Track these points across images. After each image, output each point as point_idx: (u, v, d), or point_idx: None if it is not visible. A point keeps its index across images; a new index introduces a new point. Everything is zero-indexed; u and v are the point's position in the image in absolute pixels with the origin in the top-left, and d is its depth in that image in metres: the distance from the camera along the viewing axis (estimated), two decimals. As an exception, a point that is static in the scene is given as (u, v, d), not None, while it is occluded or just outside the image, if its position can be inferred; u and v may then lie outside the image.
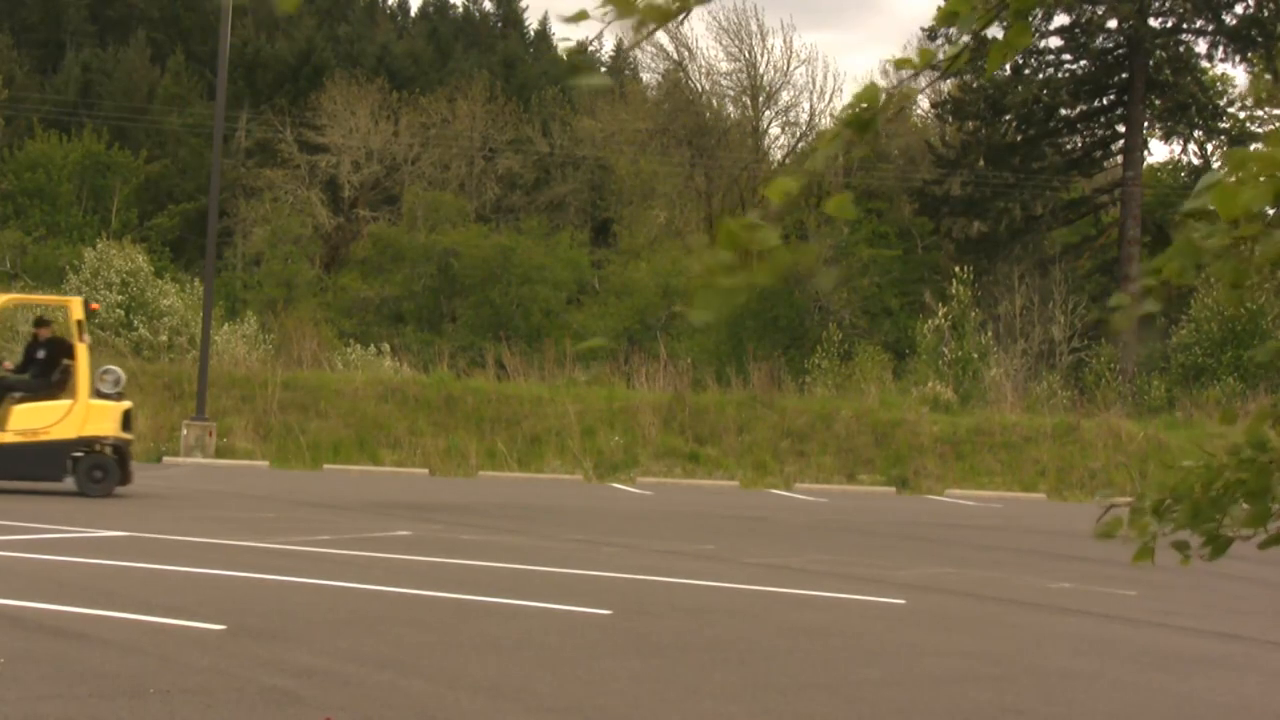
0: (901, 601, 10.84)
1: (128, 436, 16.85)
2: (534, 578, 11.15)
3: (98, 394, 16.54)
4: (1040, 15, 43.78)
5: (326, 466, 24.17)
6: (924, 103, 54.02)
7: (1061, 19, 43.70)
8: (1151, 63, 43.25)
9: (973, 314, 33.57)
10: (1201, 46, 44.26)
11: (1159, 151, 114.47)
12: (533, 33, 70.31)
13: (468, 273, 40.95)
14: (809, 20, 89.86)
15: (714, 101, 50.25)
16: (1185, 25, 43.70)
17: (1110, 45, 44.19)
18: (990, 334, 34.62)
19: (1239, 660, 9.24)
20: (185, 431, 24.22)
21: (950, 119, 47.19)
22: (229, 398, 26.00)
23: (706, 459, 25.87)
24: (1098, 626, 10.24)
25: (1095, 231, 48.17)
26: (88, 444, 16.48)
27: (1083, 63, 44.27)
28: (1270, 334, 34.94)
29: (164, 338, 29.90)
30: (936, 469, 26.18)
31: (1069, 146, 46.60)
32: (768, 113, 50.20)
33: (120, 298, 30.24)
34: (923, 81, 2.85)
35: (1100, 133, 46.00)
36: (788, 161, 51.44)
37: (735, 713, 6.83)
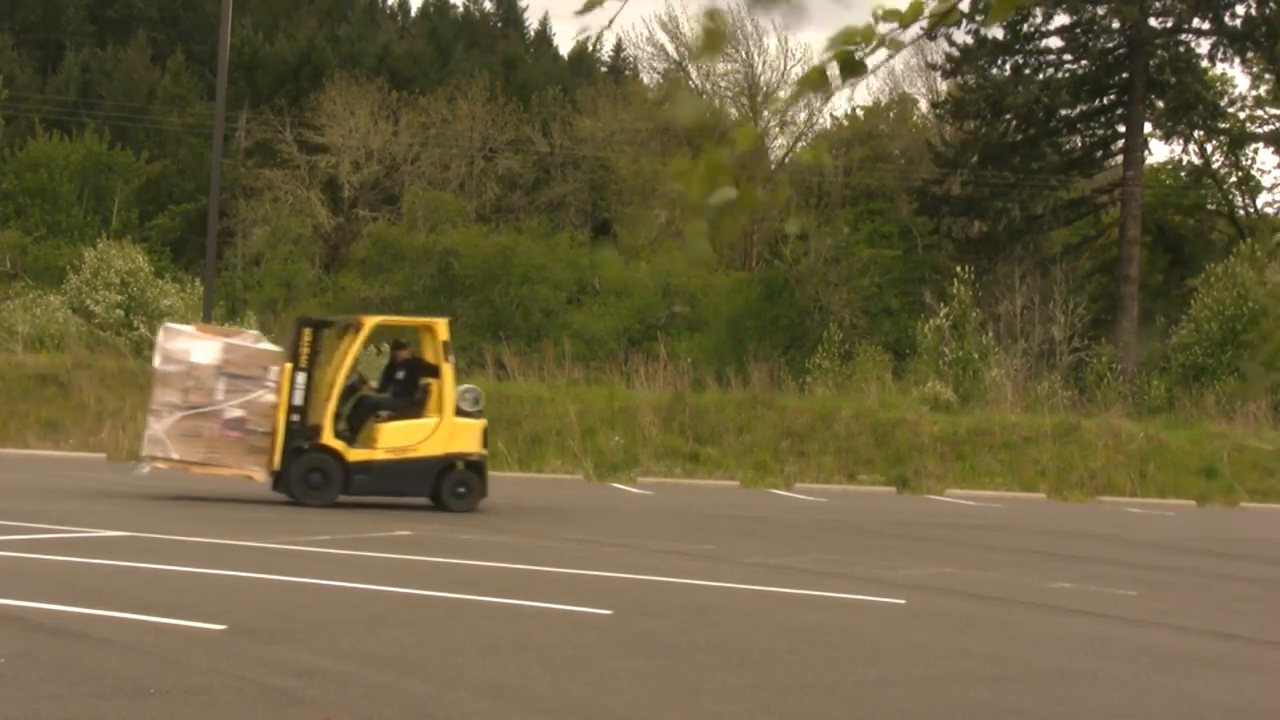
0: (901, 601, 10.84)
1: (485, 453, 17.36)
2: (534, 578, 11.15)
3: (460, 412, 16.97)
4: (1040, 15, 43.82)
5: (326, 466, 24.12)
6: (923, 103, 54.07)
7: (1062, 19, 43.71)
8: (1152, 63, 43.25)
9: (973, 314, 33.56)
10: (1202, 47, 44.29)
11: (1159, 151, 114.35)
12: (533, 33, 70.34)
13: (468, 273, 40.94)
14: (806, 20, 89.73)
15: (713, 101, 50.23)
16: (1186, 26, 43.69)
17: (1111, 45, 44.19)
18: (990, 334, 34.62)
19: (1239, 660, 9.24)
20: (185, 431, 24.20)
21: (950, 119, 47.19)
22: (229, 398, 25.98)
23: (707, 459, 25.87)
24: (1097, 626, 10.24)
25: (1095, 231, 48.18)
26: (452, 460, 16.91)
27: (1083, 63, 44.26)
28: (1270, 335, 34.90)
29: (164, 338, 29.89)
30: (936, 469, 26.18)
31: (1069, 146, 46.60)
32: (766, 112, 50.20)
33: (120, 298, 30.23)
34: (912, 33, 2.80)
35: (1100, 133, 45.99)
36: (787, 161, 51.47)
37: (735, 713, 6.83)
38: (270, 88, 52.08)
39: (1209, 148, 48.29)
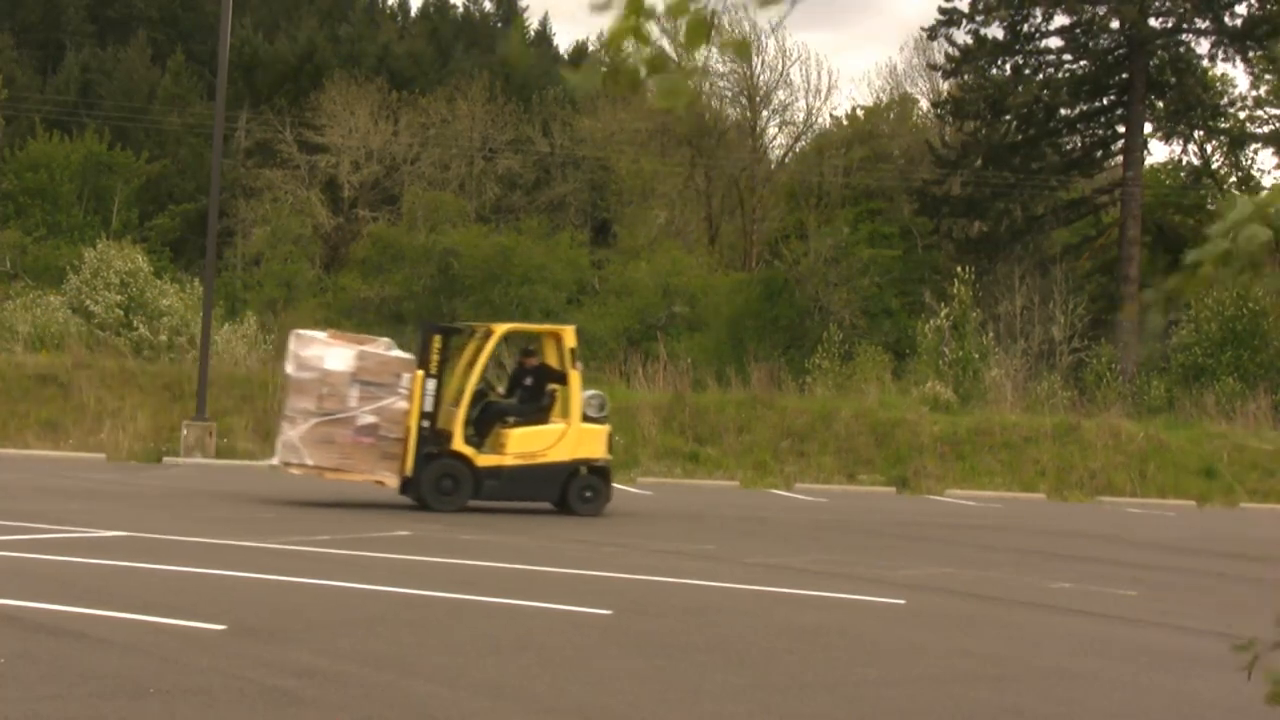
0: (901, 601, 10.84)
1: (610, 458, 17.60)
2: (534, 578, 11.15)
3: (586, 418, 17.21)
4: (1040, 15, 43.84)
5: (326, 466, 24.13)
6: (924, 103, 54.08)
7: (1062, 19, 43.72)
8: (1152, 63, 43.26)
9: (973, 314, 33.56)
10: (1202, 47, 44.29)
11: (1159, 151, 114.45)
12: (533, 32, 70.32)
13: (468, 273, 40.92)
14: (804, 20, 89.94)
15: (712, 102, 50.25)
16: (1186, 26, 43.69)
17: (1111, 45, 44.19)
18: (990, 334, 34.62)
19: (1239, 660, 9.25)
20: (185, 432, 24.21)
21: (950, 119, 47.20)
22: (229, 398, 25.99)
23: (706, 459, 25.86)
24: (1097, 626, 10.24)
25: (1095, 231, 48.18)
26: (579, 466, 17.18)
27: (1083, 63, 44.27)
28: (1271, 335, 34.96)
29: (164, 338, 29.89)
30: (936, 469, 26.18)
31: (1069, 146, 46.60)
32: (765, 112, 50.22)
33: (120, 298, 30.23)
34: None
35: (1100, 133, 45.99)
36: (786, 161, 51.49)
37: (735, 713, 6.83)
38: (270, 88, 52.07)
39: (1209, 148, 48.29)
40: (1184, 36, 43.97)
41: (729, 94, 50.42)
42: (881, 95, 55.30)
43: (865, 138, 50.48)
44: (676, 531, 16.02)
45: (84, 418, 25.02)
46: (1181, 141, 46.92)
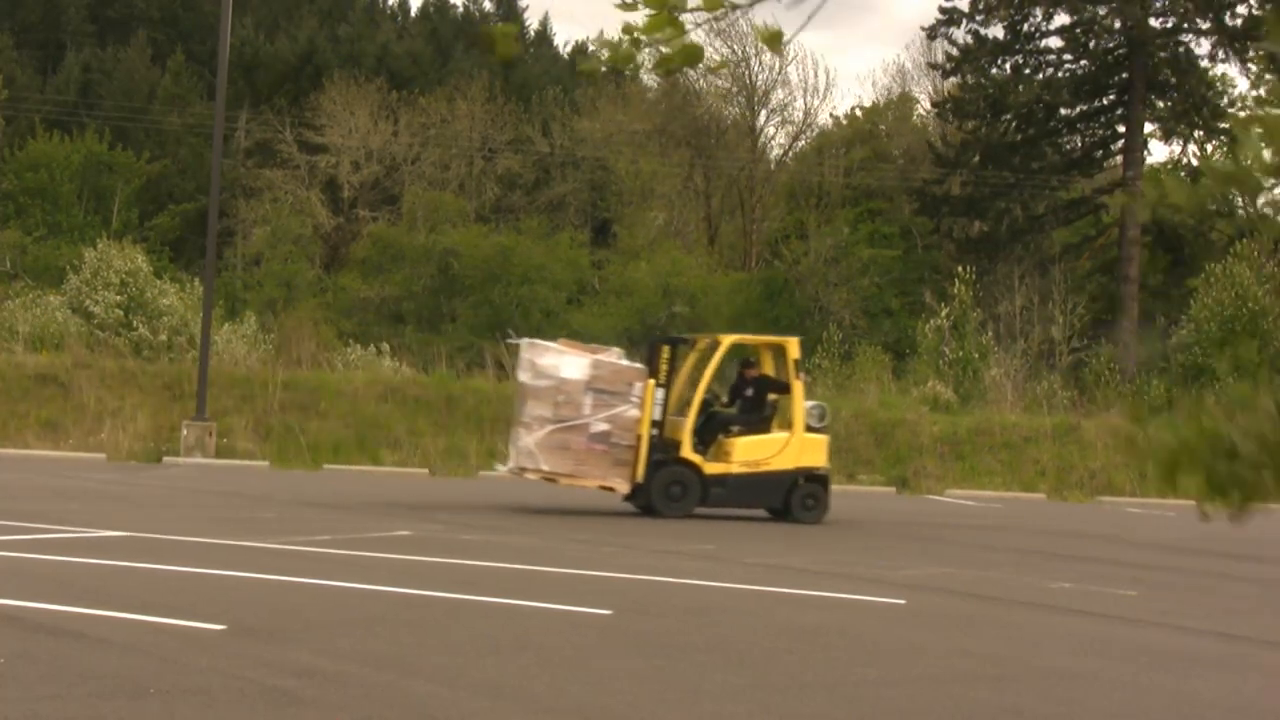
0: (901, 601, 10.84)
1: (829, 467, 18.05)
2: (534, 578, 11.15)
3: (807, 428, 17.57)
4: (1040, 15, 43.84)
5: (326, 466, 24.16)
6: (925, 102, 54.07)
7: (1062, 19, 43.72)
8: (1152, 63, 43.25)
9: (973, 314, 33.57)
10: (1202, 47, 44.30)
11: (1159, 151, 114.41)
12: (533, 33, 70.30)
13: (468, 273, 40.93)
14: (802, 19, 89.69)
15: (711, 102, 50.24)
16: (1186, 26, 43.69)
17: (1111, 45, 44.19)
18: (990, 334, 34.62)
19: (1239, 660, 9.24)
20: (185, 431, 24.21)
21: (950, 119, 47.20)
22: (229, 398, 25.99)
23: (706, 459, 25.83)
24: (1097, 626, 10.24)
25: (1095, 231, 48.16)
26: (801, 474, 17.53)
27: (1083, 63, 44.26)
28: (1272, 335, 34.95)
29: (163, 338, 29.90)
30: (936, 469, 26.19)
31: (1069, 146, 46.59)
32: (763, 112, 50.21)
33: (120, 298, 30.23)
34: None
35: (1100, 133, 45.98)
36: (786, 160, 51.49)
37: (735, 713, 6.83)
38: (270, 88, 52.03)
39: (1209, 148, 48.27)
40: (1184, 36, 43.96)
41: (728, 94, 50.41)
42: (888, 93, 55.33)
43: (865, 137, 50.48)
44: (676, 531, 16.02)
45: (84, 418, 25.02)
46: (1181, 141, 46.92)
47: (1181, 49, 43.94)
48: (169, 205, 47.96)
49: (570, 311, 41.39)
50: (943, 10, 43.75)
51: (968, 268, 35.27)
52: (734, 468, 17.28)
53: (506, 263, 40.83)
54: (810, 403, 17.97)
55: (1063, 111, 44.96)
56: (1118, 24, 43.18)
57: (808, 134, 51.01)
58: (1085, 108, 45.17)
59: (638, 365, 17.30)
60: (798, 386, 17.58)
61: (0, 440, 23.90)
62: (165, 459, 23.71)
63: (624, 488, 17.14)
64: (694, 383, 17.78)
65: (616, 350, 18.08)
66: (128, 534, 12.87)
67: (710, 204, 49.79)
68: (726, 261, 47.69)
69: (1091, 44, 43.90)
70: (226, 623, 8.37)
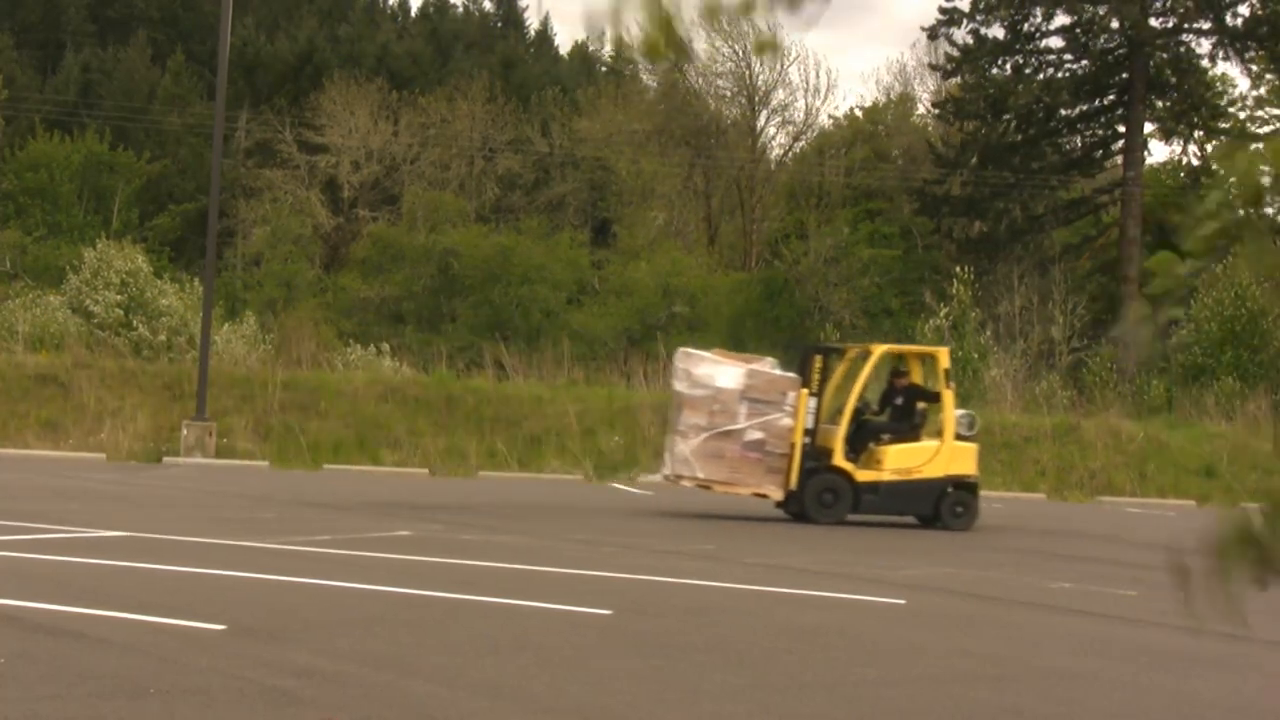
0: (901, 601, 10.83)
1: (978, 475, 18.25)
2: (534, 578, 11.15)
3: (957, 436, 17.77)
4: (1040, 15, 43.84)
5: (326, 466, 24.16)
6: (926, 101, 54.07)
7: (1062, 19, 43.72)
8: (1152, 63, 43.25)
9: (973, 314, 33.56)
10: (1203, 47, 44.29)
11: (1159, 151, 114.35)
12: (533, 33, 70.33)
13: (468, 273, 40.94)
14: (801, 22, 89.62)
15: (711, 102, 50.24)
16: (1186, 26, 43.69)
17: (1111, 45, 44.20)
18: (990, 334, 34.62)
19: (1239, 660, 9.24)
20: (185, 431, 24.21)
21: (951, 119, 47.20)
22: (229, 398, 25.99)
23: (706, 459, 25.83)
24: (1097, 626, 10.23)
25: (1095, 231, 48.17)
26: (951, 482, 17.74)
27: (1083, 63, 44.26)
28: (1271, 334, 34.95)
29: (163, 338, 29.90)
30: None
31: (1069, 146, 46.61)
32: (764, 112, 50.21)
33: (120, 298, 30.23)
34: None
35: (1100, 133, 45.99)
36: (786, 160, 51.49)
37: (735, 713, 6.82)
38: (270, 88, 52.05)
39: (1209, 148, 48.27)
40: (1184, 36, 43.96)
41: (728, 94, 50.41)
42: (889, 93, 55.33)
43: (865, 137, 50.47)
44: (676, 531, 16.02)
45: (84, 418, 25.02)
46: (1181, 141, 46.92)
47: (1182, 49, 43.95)
48: (169, 205, 47.97)
49: (570, 311, 41.41)
50: (943, 10, 43.76)
51: (967, 268, 35.26)
52: (885, 475, 17.48)
53: (506, 263, 40.84)
54: (960, 411, 18.19)
55: (1063, 111, 44.97)
56: (1115, 24, 43.17)
57: (808, 134, 51.03)
58: (1085, 108, 45.17)
59: (791, 374, 17.54)
60: (948, 395, 17.77)
61: (0, 440, 23.90)
62: (165, 459, 23.71)
63: (777, 495, 17.44)
64: (844, 391, 18.08)
65: (770, 360, 18.38)
66: (127, 534, 12.87)
67: (710, 204, 49.79)
68: (726, 261, 47.70)
69: (1091, 44, 43.90)
70: (226, 623, 8.36)
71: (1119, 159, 44.86)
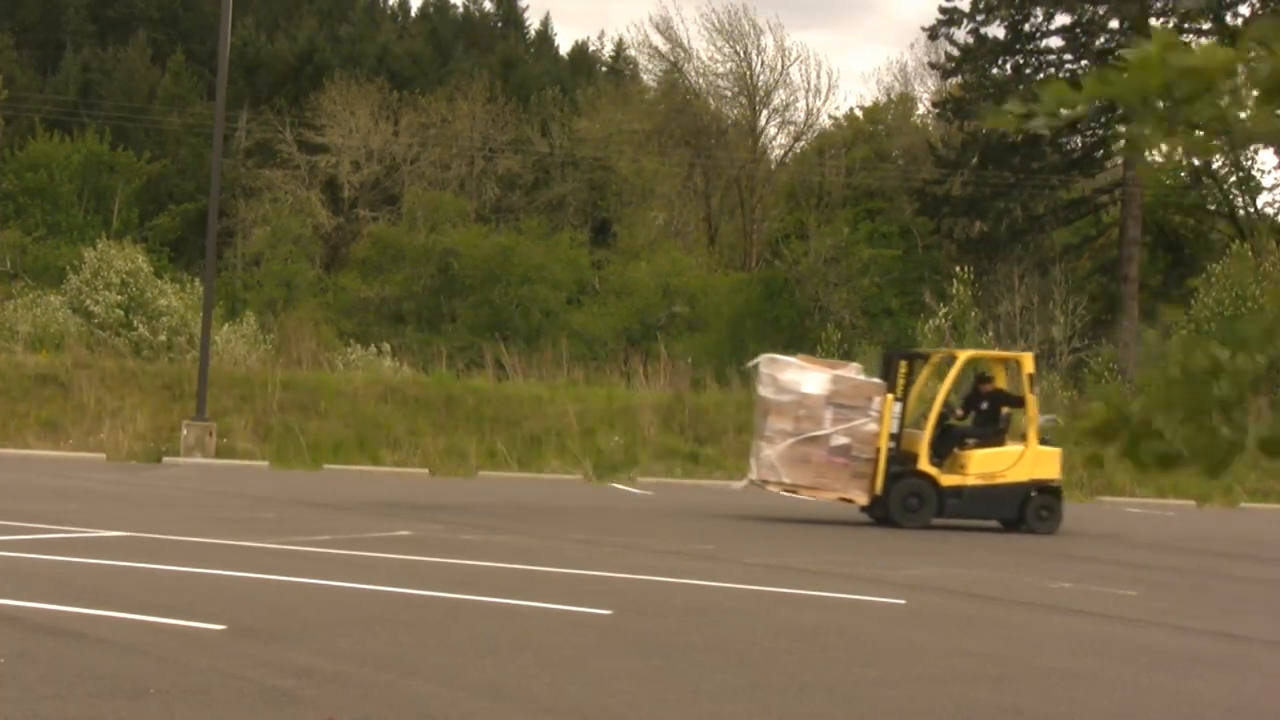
0: (901, 601, 10.83)
1: (1061, 478, 18.42)
2: (534, 578, 11.15)
3: (1041, 441, 17.95)
4: (1041, 15, 43.85)
5: (326, 466, 24.16)
6: (925, 102, 54.08)
7: (1062, 18, 43.72)
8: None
9: (973, 314, 33.54)
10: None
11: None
12: (533, 33, 70.33)
13: (468, 273, 40.93)
14: (802, 19, 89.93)
15: (711, 102, 50.23)
16: (1186, 26, 43.69)
17: (1111, 46, 44.18)
18: (990, 334, 34.60)
19: (1239, 660, 9.24)
20: (185, 431, 24.21)
21: (951, 118, 47.20)
22: (229, 398, 25.99)
23: (706, 459, 25.86)
24: (1098, 626, 10.23)
25: (1095, 231, 48.15)
26: (1035, 486, 17.92)
27: (1083, 63, 44.25)
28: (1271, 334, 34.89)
29: (164, 338, 29.89)
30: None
31: (1069, 146, 46.58)
32: (764, 112, 50.21)
33: (120, 298, 30.22)
34: None
35: (1100, 133, 45.97)
36: (786, 160, 51.49)
37: (735, 713, 6.82)
38: (270, 88, 52.05)
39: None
40: (1184, 37, 43.96)
41: (729, 94, 50.41)
42: (890, 93, 55.33)
43: (866, 137, 50.47)
44: (676, 531, 16.02)
45: (84, 418, 25.02)
46: (1181, 141, 46.82)
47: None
48: (169, 205, 47.96)
49: (570, 311, 41.41)
50: (943, 10, 43.75)
51: (966, 268, 35.24)
52: (970, 480, 17.58)
53: (506, 263, 40.84)
54: (1044, 416, 18.35)
55: (1063, 111, 44.94)
56: (1116, 23, 43.18)
57: (808, 134, 51.03)
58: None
59: (876, 380, 17.69)
60: (1031, 400, 17.85)
61: (0, 440, 23.90)
62: (165, 459, 23.71)
63: (863, 500, 17.53)
64: (927, 397, 18.20)
65: (855, 366, 18.57)
66: (127, 534, 12.87)
67: (710, 204, 49.78)
68: (726, 261, 47.70)
69: (1091, 44, 43.90)
70: (226, 623, 8.36)
71: (1119, 159, 44.83)
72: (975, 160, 44.34)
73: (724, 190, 49.97)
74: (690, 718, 6.70)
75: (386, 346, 32.69)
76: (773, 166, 50.64)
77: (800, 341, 38.95)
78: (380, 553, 12.20)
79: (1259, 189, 49.94)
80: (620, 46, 65.54)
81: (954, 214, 45.14)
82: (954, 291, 33.55)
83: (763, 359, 18.16)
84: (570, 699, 6.90)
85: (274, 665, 7.31)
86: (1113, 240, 45.70)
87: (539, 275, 41.07)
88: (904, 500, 17.48)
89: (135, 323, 29.92)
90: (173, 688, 6.72)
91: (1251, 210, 49.52)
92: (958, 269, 35.27)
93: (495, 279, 40.66)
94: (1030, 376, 17.88)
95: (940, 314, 33.31)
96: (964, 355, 18.81)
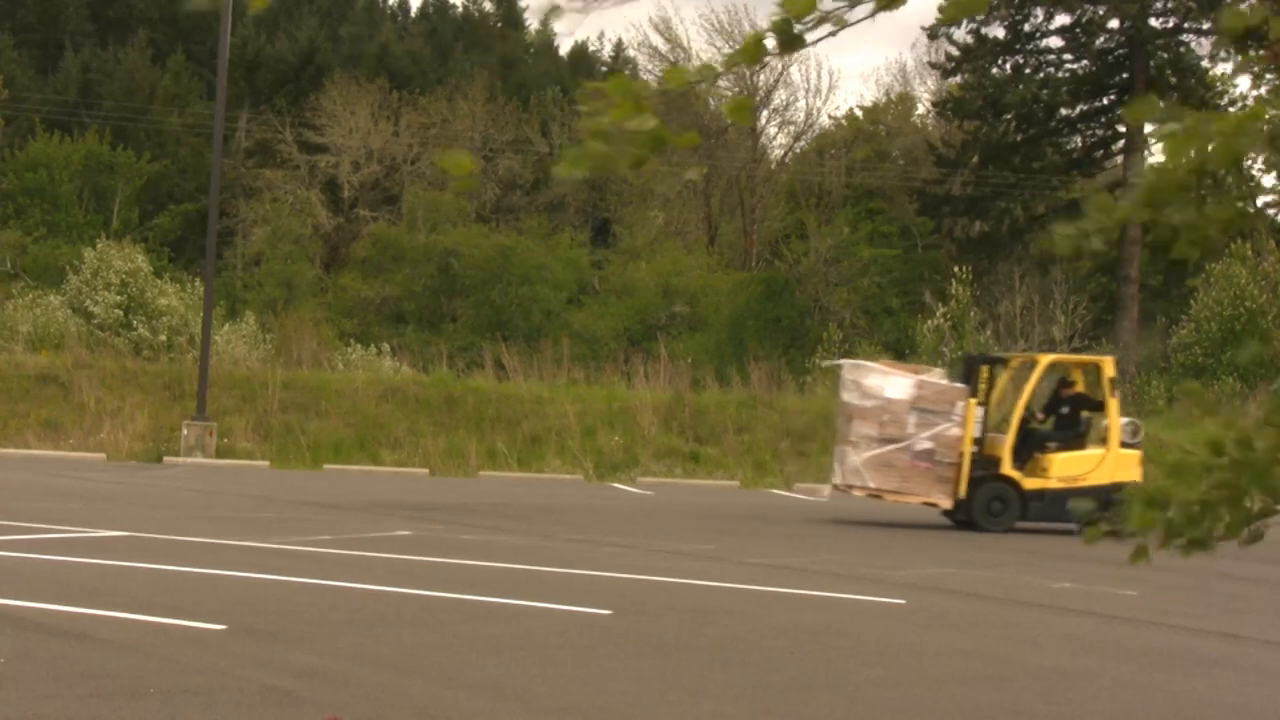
0: (901, 601, 10.83)
1: (1142, 481, 18.30)
2: (534, 578, 11.15)
3: (1122, 444, 18.01)
4: (1041, 15, 43.84)
5: (326, 466, 24.16)
6: (925, 101, 54.07)
7: (1062, 19, 43.71)
8: (1152, 63, 43.24)
9: (973, 314, 33.54)
10: (1203, 47, 44.26)
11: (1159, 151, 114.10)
12: (533, 32, 70.27)
13: (468, 273, 40.93)
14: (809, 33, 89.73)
15: (711, 102, 50.21)
16: (1186, 26, 43.70)
17: (1111, 45, 44.20)
18: (990, 334, 34.61)
19: (1239, 660, 9.24)
20: (185, 431, 24.21)
21: (951, 118, 47.20)
22: (229, 398, 25.99)
23: (706, 459, 25.86)
24: (1098, 626, 10.24)
25: (1095, 231, 48.11)
26: (1117, 489, 17.54)
27: (1083, 62, 44.26)
28: (1268, 333, 34.95)
29: (163, 338, 29.89)
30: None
31: (1069, 146, 46.59)
32: (765, 112, 50.20)
33: (120, 298, 30.21)
34: (860, 13, 2.81)
35: (1100, 133, 45.98)
36: (787, 160, 51.49)
37: (735, 713, 6.83)
38: (270, 88, 52.04)
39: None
40: (1184, 36, 43.95)
41: (729, 94, 50.38)
42: (889, 93, 55.34)
43: (866, 137, 50.46)
44: (676, 531, 16.02)
45: (84, 418, 25.02)
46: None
47: (1181, 49, 43.93)
48: (169, 205, 47.95)
49: (570, 311, 41.40)
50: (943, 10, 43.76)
51: (966, 267, 35.24)
52: (1052, 483, 17.67)
53: (506, 263, 40.83)
54: (1124, 419, 18.37)
55: (1063, 111, 44.95)
56: (1115, 23, 43.17)
57: (808, 134, 51.02)
58: (1085, 108, 45.15)
59: (959, 385, 17.78)
60: (1113, 404, 17.95)
61: (0, 440, 23.90)
62: (165, 459, 23.71)
63: (947, 504, 17.64)
64: (1008, 401, 18.29)
65: (939, 370, 18.70)
66: (128, 534, 12.87)
67: (710, 204, 49.77)
68: (726, 261, 47.69)
69: (1091, 44, 43.90)
70: (226, 622, 8.37)
71: (1119, 159, 44.84)
72: (975, 160, 44.35)
73: (724, 190, 49.97)
74: (690, 718, 6.70)
75: (387, 346, 32.68)
76: (773, 166, 50.64)
77: (800, 341, 38.99)
78: (380, 553, 12.20)
79: (1259, 189, 49.89)
80: (620, 47, 65.59)
81: (954, 214, 45.15)
82: (954, 291, 33.55)
83: (845, 364, 18.28)
84: (571, 699, 6.91)
85: (274, 665, 7.31)
86: (1113, 240, 45.70)
87: (539, 275, 41.07)
88: (988, 504, 17.65)
89: (135, 323, 29.91)
90: (173, 688, 6.72)
91: (1251, 210, 49.48)
92: (958, 269, 35.28)
93: (495, 279, 40.66)
94: (1111, 380, 18.04)
95: (940, 314, 33.31)
96: (1045, 360, 18.97)
